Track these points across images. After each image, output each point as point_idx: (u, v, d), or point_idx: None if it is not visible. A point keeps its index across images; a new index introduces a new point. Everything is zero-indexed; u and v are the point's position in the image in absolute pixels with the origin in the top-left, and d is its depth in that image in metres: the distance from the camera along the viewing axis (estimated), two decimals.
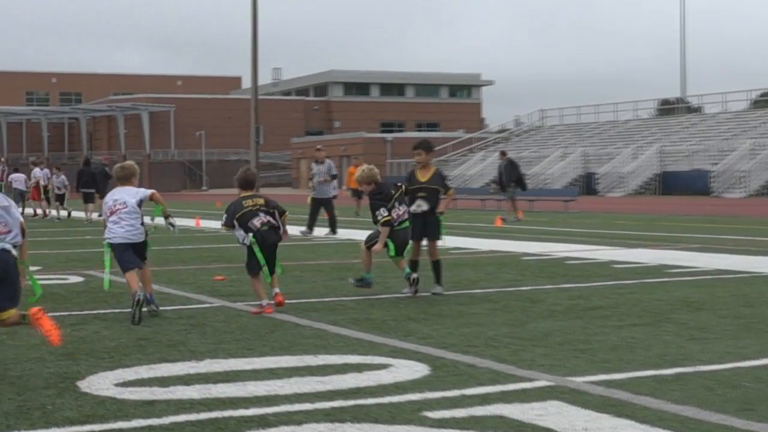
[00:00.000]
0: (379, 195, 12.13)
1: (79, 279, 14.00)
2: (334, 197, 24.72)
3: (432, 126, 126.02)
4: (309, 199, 25.20)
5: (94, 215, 34.58)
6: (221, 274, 13.84)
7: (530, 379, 6.87)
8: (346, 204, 37.98)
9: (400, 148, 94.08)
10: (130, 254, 10.32)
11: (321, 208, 24.81)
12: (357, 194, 35.94)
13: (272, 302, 10.68)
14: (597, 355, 7.82)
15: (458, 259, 16.47)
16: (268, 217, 10.95)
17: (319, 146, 26.05)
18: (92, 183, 33.42)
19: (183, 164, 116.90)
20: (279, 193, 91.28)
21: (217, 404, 6.20)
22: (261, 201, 11.06)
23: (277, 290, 10.85)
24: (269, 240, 10.92)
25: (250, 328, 9.36)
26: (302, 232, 24.13)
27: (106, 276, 10.57)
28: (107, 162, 37.21)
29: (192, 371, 7.26)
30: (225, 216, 11.00)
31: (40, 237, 24.74)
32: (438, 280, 12.10)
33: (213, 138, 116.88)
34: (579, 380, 6.82)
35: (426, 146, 12.23)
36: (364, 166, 12.38)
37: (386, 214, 11.90)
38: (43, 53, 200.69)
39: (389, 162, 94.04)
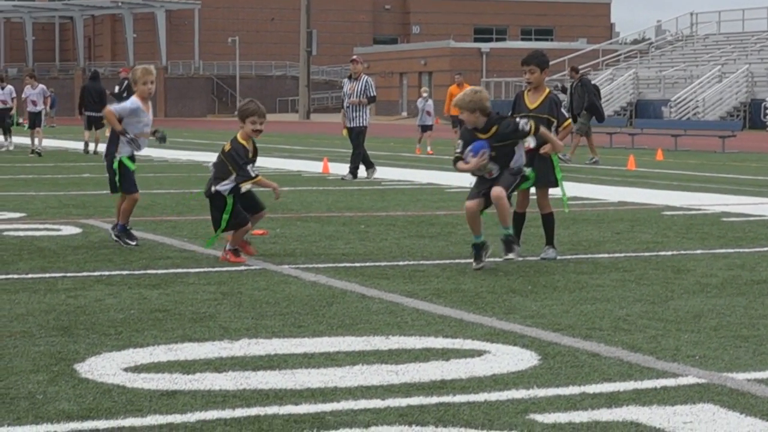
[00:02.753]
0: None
1: (76, 230, 14.19)
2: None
3: (543, 33, 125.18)
4: (344, 132, 24.85)
5: (92, 146, 34.83)
6: (261, 228, 13.93)
7: (674, 375, 6.86)
8: (446, 136, 37.94)
9: (500, 63, 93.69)
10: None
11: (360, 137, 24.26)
12: (459, 124, 35.93)
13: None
14: (765, 344, 7.78)
15: (577, 213, 16.41)
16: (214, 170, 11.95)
17: (354, 57, 25.40)
18: (101, 104, 33.07)
19: (210, 80, 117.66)
20: (336, 120, 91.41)
21: (257, 398, 6.28)
22: (227, 147, 11.87)
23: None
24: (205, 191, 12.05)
25: (301, 299, 9.44)
26: (368, 173, 24.32)
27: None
28: (128, 76, 36.93)
29: (224, 354, 7.35)
30: None
31: (23, 174, 25.11)
32: (550, 240, 12.09)
33: (250, 46, 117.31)
34: (740, 377, 6.80)
35: (540, 60, 12.17)
36: (470, 88, 11.63)
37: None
38: None
39: (485, 81, 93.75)
